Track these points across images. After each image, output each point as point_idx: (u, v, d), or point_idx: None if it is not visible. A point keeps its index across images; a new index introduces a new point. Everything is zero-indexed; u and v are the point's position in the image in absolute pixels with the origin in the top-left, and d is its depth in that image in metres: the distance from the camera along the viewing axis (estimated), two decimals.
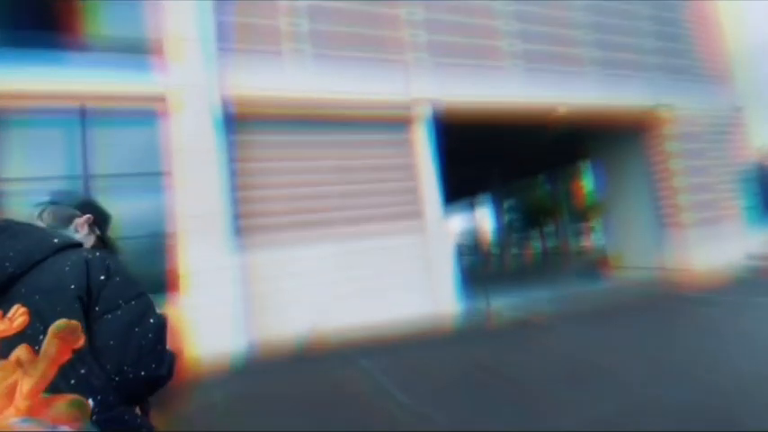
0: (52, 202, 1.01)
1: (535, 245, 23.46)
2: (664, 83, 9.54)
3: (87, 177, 5.29)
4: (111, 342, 0.73)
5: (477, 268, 13.85)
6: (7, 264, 0.72)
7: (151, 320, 0.80)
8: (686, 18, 10.75)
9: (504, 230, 25.76)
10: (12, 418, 0.53)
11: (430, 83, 7.06)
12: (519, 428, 2.48)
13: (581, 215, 20.55)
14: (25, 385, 0.55)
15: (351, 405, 3.17)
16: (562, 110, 8.19)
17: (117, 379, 0.72)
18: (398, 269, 6.41)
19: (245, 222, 5.80)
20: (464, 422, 2.64)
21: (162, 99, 5.54)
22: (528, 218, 23.70)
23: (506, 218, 25.52)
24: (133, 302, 0.79)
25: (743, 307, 5.13)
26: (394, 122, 6.93)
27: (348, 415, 2.97)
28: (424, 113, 7.00)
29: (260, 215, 5.93)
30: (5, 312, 0.60)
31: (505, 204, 25.34)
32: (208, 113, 5.71)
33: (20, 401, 0.54)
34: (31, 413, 0.54)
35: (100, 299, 0.76)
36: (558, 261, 14.97)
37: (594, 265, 11.46)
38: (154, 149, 5.54)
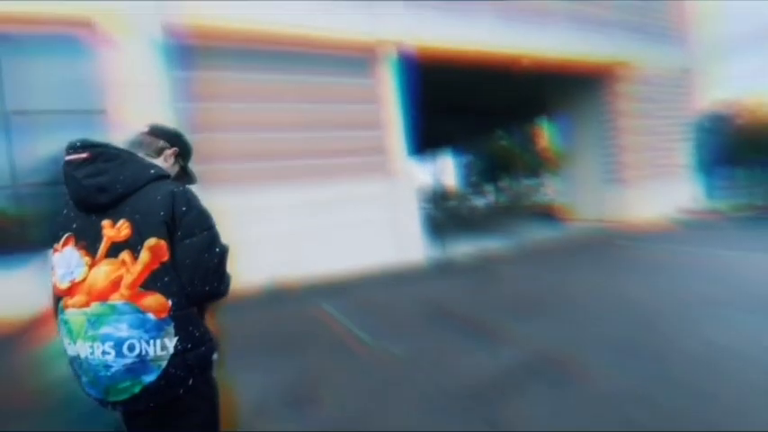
0: (150, 133, 1.16)
1: (495, 196, 24.37)
2: (623, 38, 9.63)
3: (5, 114, 4.62)
4: (188, 261, 0.95)
5: (441, 217, 14.25)
6: (118, 186, 0.94)
7: (217, 249, 1.01)
8: None
9: (466, 182, 26.39)
10: (117, 300, 0.84)
11: (397, 23, 6.63)
12: (473, 357, 2.68)
13: (540, 168, 21.38)
14: (127, 279, 0.86)
15: (313, 344, 3.27)
16: (526, 61, 8.11)
17: (189, 289, 0.95)
18: (363, 217, 6.41)
19: (196, 168, 5.42)
20: (418, 353, 2.82)
21: (89, 24, 4.78)
22: (489, 171, 24.33)
23: (469, 170, 26.05)
24: (205, 232, 1.00)
25: (660, 252, 5.75)
26: (359, 65, 6.54)
27: (309, 352, 3.07)
28: (390, 56, 6.65)
29: (214, 160, 5.56)
30: (115, 222, 0.90)
31: (468, 157, 25.74)
32: (149, 43, 5.04)
33: (123, 290, 0.85)
34: (130, 300, 0.85)
35: (181, 226, 0.96)
36: (515, 212, 15.72)
37: (549, 216, 12.18)
38: (88, 84, 4.88)
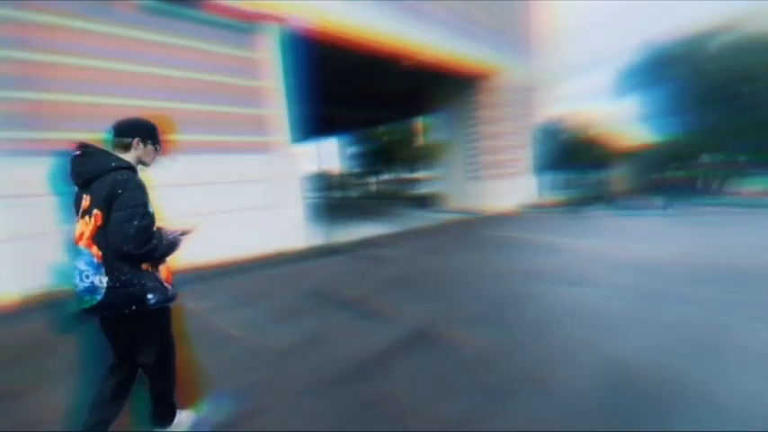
0: (115, 134, 1.58)
1: (379, 186, 25.39)
2: (490, 48, 11.02)
3: None
4: (113, 228, 1.39)
5: (325, 204, 14.13)
6: (87, 173, 1.45)
7: (135, 222, 1.39)
8: None
9: (351, 171, 26.75)
10: (81, 245, 1.40)
11: None
12: (353, 338, 2.69)
13: (419, 161, 23.07)
14: (86, 233, 1.41)
15: None
16: (407, 61, 8.56)
17: (113, 248, 1.39)
18: (239, 201, 5.84)
19: (24, 134, 4.13)
20: (297, 340, 2.70)
21: None
22: (374, 161, 25.17)
23: (354, 159, 26.47)
24: (129, 209, 1.39)
25: (511, 236, 6.88)
26: (237, 34, 5.87)
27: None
28: (274, 28, 6.16)
29: (51, 124, 4.32)
30: (91, 195, 1.42)
31: (354, 147, 26.13)
32: None
33: (84, 239, 1.41)
34: (86, 246, 1.40)
35: (115, 202, 1.40)
36: (397, 200, 16.66)
37: (425, 204, 13.28)
38: None
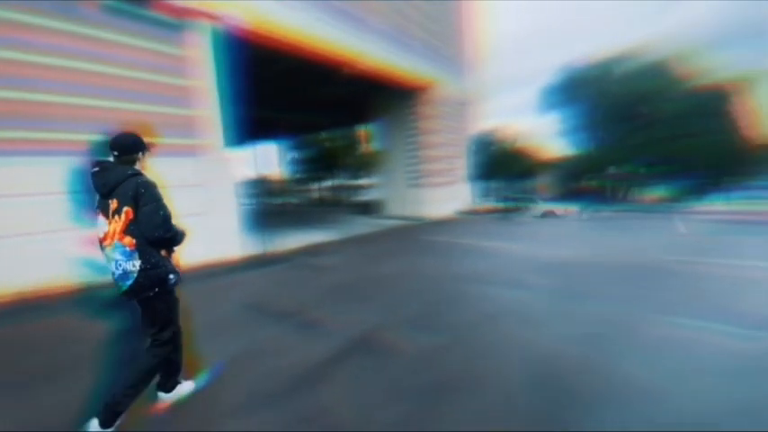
0: (120, 156, 1.86)
1: (320, 193, 24.99)
2: (429, 62, 11.51)
3: None
4: (143, 219, 1.74)
5: (264, 212, 13.53)
6: (109, 183, 1.75)
7: (160, 212, 1.78)
8: (455, 13, 13.17)
9: (292, 177, 26.04)
10: (116, 240, 1.72)
11: None
12: (293, 350, 2.58)
13: (361, 169, 23.16)
14: (117, 229, 1.73)
15: (80, 368, 2.48)
16: (348, 69, 8.62)
17: (145, 235, 1.74)
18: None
19: None
20: (229, 360, 2.52)
21: None
22: (315, 168, 24.77)
23: (295, 166, 25.82)
24: (153, 203, 1.77)
25: (449, 241, 7.20)
26: (165, 29, 5.44)
27: (83, 380, 2.31)
28: (208, 26, 5.82)
29: None
30: (112, 200, 1.74)
31: (295, 153, 25.51)
32: None
33: (117, 235, 1.73)
34: (119, 240, 1.73)
35: (140, 200, 1.75)
36: (339, 207, 16.51)
37: (367, 211, 13.33)
38: None
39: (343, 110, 14.75)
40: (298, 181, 26.01)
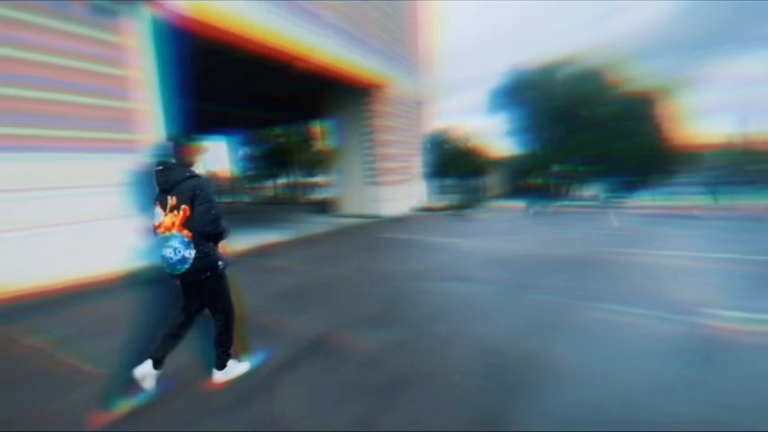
0: (179, 161, 2.17)
1: (275, 191, 24.22)
2: (383, 61, 11.55)
3: None
4: (197, 216, 2.04)
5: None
6: (171, 181, 2.07)
7: (212, 212, 2.06)
8: (410, 13, 13.30)
9: (244, 175, 24.99)
10: (174, 231, 2.03)
11: None
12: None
13: (316, 166, 22.74)
14: (177, 222, 2.04)
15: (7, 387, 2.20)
16: (302, 63, 8.42)
17: (199, 230, 2.05)
18: (97, 211, 4.92)
19: None
20: (175, 372, 2.36)
21: None
22: (269, 165, 23.96)
23: (247, 163, 24.81)
24: (206, 203, 2.05)
25: (403, 239, 7.31)
26: (99, 15, 4.96)
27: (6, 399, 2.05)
28: (143, 12, 5.39)
29: None
30: (172, 197, 2.07)
31: (247, 149, 24.50)
32: None
33: (176, 227, 2.04)
34: (178, 231, 2.04)
35: (196, 199, 2.04)
36: (293, 206, 16.11)
37: (322, 210, 13.14)
38: None
39: (297, 106, 14.39)
40: (250, 178, 25.02)
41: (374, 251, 6.53)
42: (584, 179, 18.98)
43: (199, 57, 7.26)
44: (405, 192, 13.04)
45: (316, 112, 14.49)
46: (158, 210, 2.11)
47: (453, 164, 20.20)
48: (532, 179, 19.36)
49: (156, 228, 2.10)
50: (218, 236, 2.17)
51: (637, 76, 18.25)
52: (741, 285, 3.96)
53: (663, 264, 4.94)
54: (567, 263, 5.14)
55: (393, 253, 6.28)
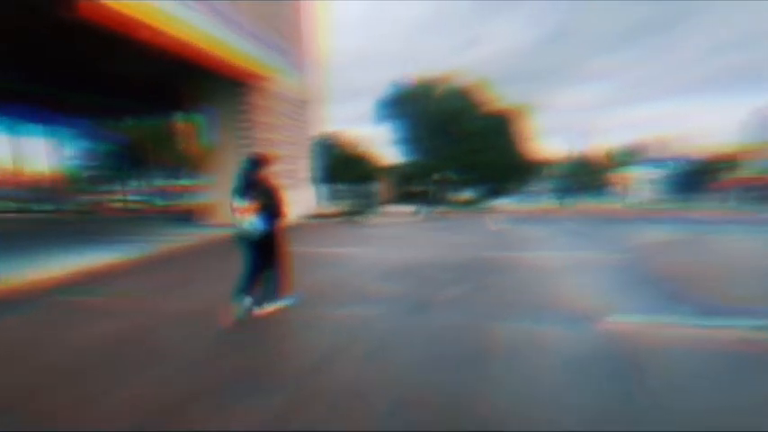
0: (258, 168, 3.38)
1: (123, 197, 19.84)
2: (268, 52, 10.26)
3: None
4: (270, 205, 3.35)
5: (26, 221, 9.48)
6: (249, 183, 3.32)
7: (277, 204, 3.40)
8: (295, 10, 12.19)
9: (77, 175, 19.91)
10: (252, 214, 3.26)
11: None
12: None
13: (181, 167, 19.43)
14: (252, 208, 3.27)
15: None
16: (147, 31, 6.69)
17: (270, 213, 3.34)
18: None
19: None
20: None
21: None
22: (115, 164, 19.56)
23: (84, 160, 19.84)
24: (275, 199, 3.38)
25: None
26: None
27: None
28: None
29: None
30: (252, 192, 3.30)
31: (87, 143, 19.61)
32: None
33: (253, 210, 3.26)
34: (255, 213, 3.27)
35: (269, 197, 3.35)
36: (146, 215, 13.18)
37: (187, 218, 10.97)
38: None
39: (157, 94, 11.89)
40: (88, 180, 20.05)
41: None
42: (458, 186, 20.68)
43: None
44: (292, 198, 11.82)
45: (181, 103, 12.12)
46: (243, 200, 3.26)
47: (344, 169, 19.71)
48: (416, 186, 20.26)
49: (240, 211, 3.26)
50: (279, 218, 3.40)
51: (497, 98, 20.76)
52: (621, 283, 4.22)
53: (546, 266, 5.13)
54: (463, 270, 4.94)
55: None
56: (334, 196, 16.61)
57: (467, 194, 21.02)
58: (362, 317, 3.32)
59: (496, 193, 20.37)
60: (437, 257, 5.76)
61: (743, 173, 21.63)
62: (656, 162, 25.85)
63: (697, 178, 22.85)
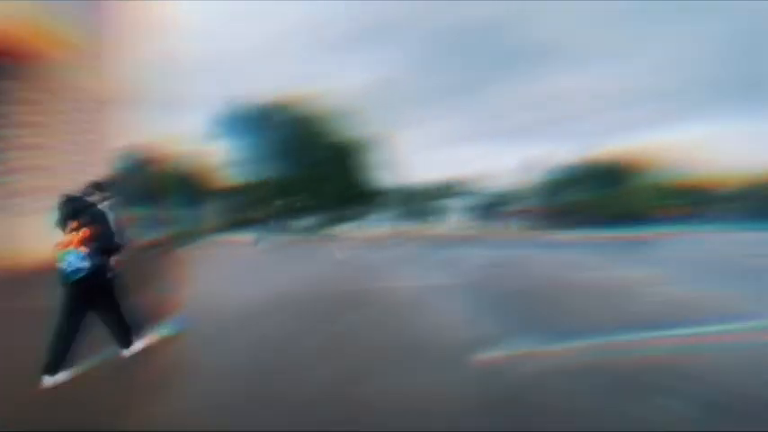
0: (95, 190, 2.87)
1: None
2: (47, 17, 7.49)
3: None
4: (98, 237, 2.65)
5: None
6: (74, 209, 2.68)
7: (110, 233, 2.74)
8: None
9: None
10: (71, 248, 2.56)
11: None
12: None
13: None
14: (75, 240, 2.60)
15: None
16: None
17: (98, 246, 2.64)
18: None
19: None
20: None
21: None
22: None
23: None
24: (104, 224, 2.72)
25: None
26: None
27: None
28: None
29: None
30: (77, 221, 2.64)
31: None
32: None
33: (74, 243, 2.58)
34: (75, 247, 2.57)
35: (95, 224, 2.68)
36: None
37: None
38: None
39: None
40: None
41: None
42: (300, 212, 20.14)
43: None
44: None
45: None
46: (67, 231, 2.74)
47: (161, 189, 16.29)
48: (257, 211, 18.63)
49: (65, 245, 2.68)
50: (110, 252, 2.80)
51: (343, 128, 21.50)
52: (473, 311, 4.30)
53: (402, 298, 5.00)
54: (318, 314, 4.29)
55: (33, 356, 3.40)
56: (151, 221, 13.51)
57: (308, 220, 20.63)
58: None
59: (338, 219, 20.69)
60: (288, 298, 4.96)
61: (519, 204, 28.83)
62: (464, 194, 31.84)
63: (491, 208, 29.17)
